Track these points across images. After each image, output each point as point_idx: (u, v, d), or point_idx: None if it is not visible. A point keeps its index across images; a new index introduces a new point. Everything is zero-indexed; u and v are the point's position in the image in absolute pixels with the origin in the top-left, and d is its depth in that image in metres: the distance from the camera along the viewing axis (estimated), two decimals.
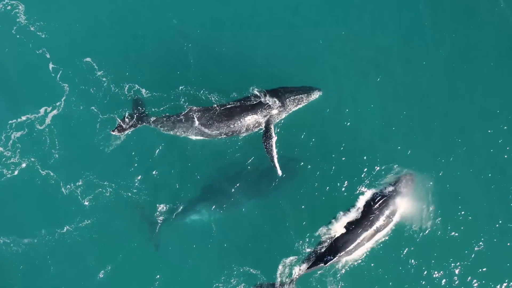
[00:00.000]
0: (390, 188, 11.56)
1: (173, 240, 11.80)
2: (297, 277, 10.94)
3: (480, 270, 11.40)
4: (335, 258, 10.87)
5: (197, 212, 11.90)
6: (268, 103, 11.64)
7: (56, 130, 12.08)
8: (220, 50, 12.90)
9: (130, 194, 11.79)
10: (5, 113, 12.16)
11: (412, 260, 11.46)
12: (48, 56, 12.53)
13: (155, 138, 12.11)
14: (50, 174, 11.78)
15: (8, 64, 12.67)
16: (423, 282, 11.39)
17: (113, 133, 11.60)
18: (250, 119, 11.51)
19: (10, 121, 12.04)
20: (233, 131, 11.61)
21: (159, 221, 11.67)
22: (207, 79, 12.55)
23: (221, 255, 11.68)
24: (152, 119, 11.59)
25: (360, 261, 11.35)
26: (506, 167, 12.11)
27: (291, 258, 11.27)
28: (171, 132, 11.68)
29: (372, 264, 11.38)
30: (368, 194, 11.66)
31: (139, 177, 11.94)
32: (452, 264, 11.41)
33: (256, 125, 11.69)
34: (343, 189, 11.90)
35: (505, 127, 12.36)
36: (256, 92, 11.65)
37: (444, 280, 11.36)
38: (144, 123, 11.68)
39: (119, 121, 11.56)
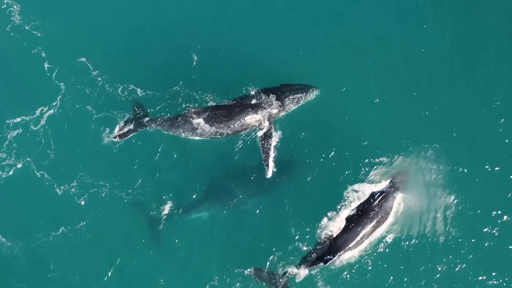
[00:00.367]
0: (388, 185, 11.51)
1: (173, 240, 11.68)
2: (291, 272, 10.86)
3: (477, 268, 11.30)
4: (334, 257, 10.76)
5: (197, 212, 11.82)
6: (267, 103, 11.55)
7: (52, 130, 12.04)
8: (216, 49, 12.82)
9: (125, 195, 11.72)
10: (0, 113, 12.10)
11: (412, 257, 11.41)
12: (43, 55, 12.48)
13: (153, 137, 12.06)
14: (44, 175, 11.73)
15: (3, 63, 12.64)
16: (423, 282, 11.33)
17: (115, 140, 11.61)
18: (250, 119, 11.43)
19: (6, 122, 11.99)
20: (233, 131, 11.54)
21: (159, 220, 11.59)
22: (202, 78, 12.47)
23: (221, 254, 11.59)
24: (153, 123, 11.58)
25: (357, 258, 11.26)
26: (505, 162, 12.04)
27: (290, 257, 11.19)
28: (171, 132, 11.61)
29: (369, 263, 11.27)
30: (365, 191, 11.60)
31: (135, 177, 11.87)
32: (452, 262, 11.30)
33: (256, 124, 11.60)
34: (341, 186, 11.81)
35: (503, 121, 12.34)
36: (254, 91, 11.56)
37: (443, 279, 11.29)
38: (145, 128, 11.70)
39: (120, 125, 11.49)
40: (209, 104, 12.01)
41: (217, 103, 11.99)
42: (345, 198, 11.63)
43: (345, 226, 11.06)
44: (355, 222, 11.06)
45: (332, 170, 12.01)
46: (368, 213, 11.13)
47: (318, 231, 11.32)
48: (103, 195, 11.65)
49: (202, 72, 12.59)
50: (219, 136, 11.64)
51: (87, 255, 11.47)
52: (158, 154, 12.01)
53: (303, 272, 10.88)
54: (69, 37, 12.69)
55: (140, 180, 11.84)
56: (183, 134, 11.59)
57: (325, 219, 11.35)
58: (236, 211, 11.80)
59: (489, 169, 11.98)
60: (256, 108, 11.44)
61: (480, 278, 11.22)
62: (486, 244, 11.37)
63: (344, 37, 13.08)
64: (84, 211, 11.61)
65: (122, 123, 11.72)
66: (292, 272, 10.86)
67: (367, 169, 11.95)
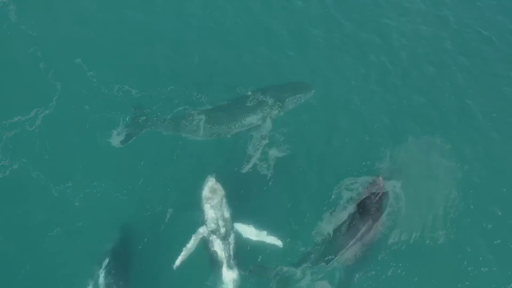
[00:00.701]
0: (382, 183, 11.57)
1: (171, 239, 11.51)
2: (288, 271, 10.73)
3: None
4: (336, 257, 10.66)
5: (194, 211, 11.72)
6: (267, 103, 11.46)
7: (48, 131, 11.95)
8: (211, 50, 12.76)
9: (121, 195, 11.59)
10: None
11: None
12: (39, 55, 12.43)
13: (152, 137, 12.02)
14: (40, 175, 11.62)
15: None
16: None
17: (117, 145, 11.55)
18: (250, 120, 11.35)
19: (1, 122, 11.92)
20: (231, 132, 11.49)
21: (157, 220, 11.44)
22: (198, 78, 12.42)
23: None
24: (152, 124, 11.53)
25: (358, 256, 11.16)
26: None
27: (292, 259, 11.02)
28: (171, 133, 11.57)
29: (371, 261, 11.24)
30: (361, 190, 11.69)
31: (132, 177, 11.74)
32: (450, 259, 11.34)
33: (258, 123, 11.53)
34: (338, 186, 11.86)
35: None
36: (251, 92, 11.46)
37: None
38: (144, 129, 11.64)
39: (119, 131, 11.41)
40: (206, 105, 11.95)
41: (214, 104, 11.92)
42: (341, 198, 11.64)
43: (344, 225, 11.04)
44: (354, 220, 11.05)
45: (328, 170, 12.10)
46: (366, 211, 11.13)
47: (314, 232, 11.25)
48: (98, 195, 11.55)
49: (198, 72, 12.53)
50: (219, 136, 11.55)
51: (78, 257, 11.26)
52: (156, 154, 11.97)
53: (302, 272, 10.75)
54: (64, 37, 12.63)
55: (139, 180, 11.72)
56: (183, 134, 11.43)
57: (323, 219, 11.30)
58: (235, 211, 11.61)
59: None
60: (256, 108, 11.34)
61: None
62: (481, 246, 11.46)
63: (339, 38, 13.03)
64: (79, 211, 11.48)
65: (120, 129, 11.59)
66: (289, 271, 10.71)
67: (365, 169, 12.03)
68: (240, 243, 10.57)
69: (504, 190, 12.26)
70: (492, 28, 15.55)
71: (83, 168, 11.73)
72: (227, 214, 10.45)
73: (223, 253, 10.24)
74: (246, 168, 11.89)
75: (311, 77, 13.53)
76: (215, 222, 10.33)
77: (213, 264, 10.36)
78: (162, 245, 11.19)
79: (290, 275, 10.67)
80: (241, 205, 11.41)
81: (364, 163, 12.30)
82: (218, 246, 10.28)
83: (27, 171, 11.64)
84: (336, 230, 11.15)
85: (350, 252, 10.88)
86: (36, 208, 11.46)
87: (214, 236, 10.33)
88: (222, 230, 10.32)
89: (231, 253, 10.29)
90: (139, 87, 12.07)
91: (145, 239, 11.34)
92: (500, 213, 11.88)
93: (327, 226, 11.27)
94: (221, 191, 10.52)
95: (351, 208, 11.42)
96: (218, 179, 10.74)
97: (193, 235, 10.36)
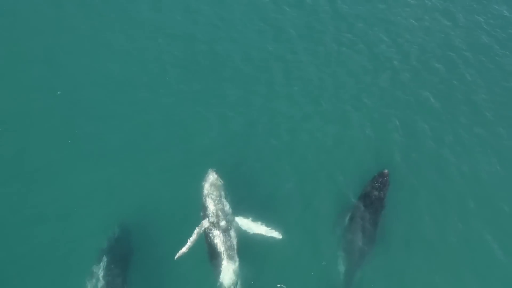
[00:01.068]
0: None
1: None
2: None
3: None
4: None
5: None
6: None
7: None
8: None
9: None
10: None
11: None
12: None
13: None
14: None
15: None
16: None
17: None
18: None
19: None
20: None
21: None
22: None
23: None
24: None
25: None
26: None
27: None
28: None
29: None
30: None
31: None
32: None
33: None
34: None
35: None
36: None
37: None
38: None
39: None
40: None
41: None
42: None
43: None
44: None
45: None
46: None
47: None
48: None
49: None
50: None
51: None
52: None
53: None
54: None
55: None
56: None
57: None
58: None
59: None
60: None
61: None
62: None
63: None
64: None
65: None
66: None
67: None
68: (240, 236, 10.43)
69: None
70: (499, 24, 15.48)
71: (81, 163, 11.54)
72: (227, 207, 10.39)
73: (223, 245, 10.11)
74: (246, 162, 11.86)
75: (318, 74, 13.63)
76: (216, 214, 10.24)
77: (214, 256, 10.20)
78: (161, 241, 10.91)
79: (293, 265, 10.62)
80: (241, 198, 11.23)
81: (369, 157, 12.27)
82: (218, 238, 10.15)
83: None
84: (339, 222, 11.12)
85: (353, 244, 10.76)
86: (35, 207, 11.26)
87: (215, 229, 10.20)
88: (223, 223, 10.22)
89: (231, 245, 10.17)
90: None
91: (144, 235, 11.04)
92: (506, 209, 11.80)
93: (328, 218, 11.20)
94: (221, 185, 10.48)
95: (355, 199, 11.38)
96: (218, 173, 10.70)
97: (196, 227, 10.24)
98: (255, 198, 11.41)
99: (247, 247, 10.44)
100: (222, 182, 10.55)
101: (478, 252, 11.14)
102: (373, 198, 11.15)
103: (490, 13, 15.92)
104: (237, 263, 10.10)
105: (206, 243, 10.30)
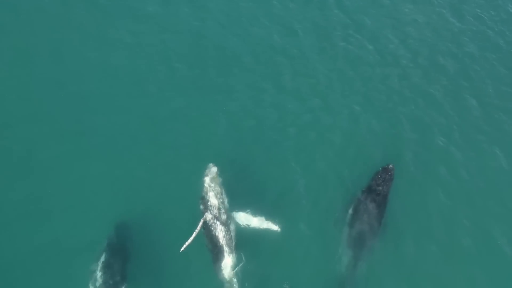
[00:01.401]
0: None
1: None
2: None
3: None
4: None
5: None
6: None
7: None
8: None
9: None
10: None
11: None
12: None
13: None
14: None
15: None
16: None
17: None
18: None
19: None
20: None
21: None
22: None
23: None
24: None
25: None
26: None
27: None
28: None
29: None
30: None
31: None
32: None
33: None
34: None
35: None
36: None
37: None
38: None
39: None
40: None
41: None
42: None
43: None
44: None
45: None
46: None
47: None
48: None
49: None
50: None
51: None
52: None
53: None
54: None
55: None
56: None
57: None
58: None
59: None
60: None
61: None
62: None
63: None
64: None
65: None
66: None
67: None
68: (241, 230, 10.50)
69: None
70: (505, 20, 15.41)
71: (85, 159, 11.49)
72: (226, 200, 10.55)
73: (224, 238, 10.17)
74: (252, 157, 11.83)
75: (325, 72, 13.63)
76: (218, 208, 10.33)
77: (214, 249, 10.22)
78: (161, 237, 10.80)
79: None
80: (241, 192, 11.18)
81: (375, 153, 12.24)
82: (220, 231, 10.20)
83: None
84: (342, 215, 11.07)
85: (355, 237, 10.70)
86: (37, 202, 11.17)
87: (217, 222, 10.25)
88: (224, 216, 10.30)
89: (231, 238, 10.27)
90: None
91: (143, 232, 10.90)
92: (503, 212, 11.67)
93: (332, 211, 11.15)
94: (220, 179, 10.68)
95: (359, 193, 11.31)
96: (219, 168, 10.78)
97: (201, 219, 10.26)
98: (259, 191, 11.39)
99: (248, 241, 10.46)
100: (220, 179, 10.70)
101: (484, 246, 11.05)
102: (377, 192, 11.09)
103: (496, 10, 15.87)
104: (236, 256, 10.17)
105: (206, 237, 10.31)
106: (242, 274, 10.14)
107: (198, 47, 13.72)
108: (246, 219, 10.52)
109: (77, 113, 12.12)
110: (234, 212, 10.57)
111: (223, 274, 10.03)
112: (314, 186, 11.53)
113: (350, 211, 11.02)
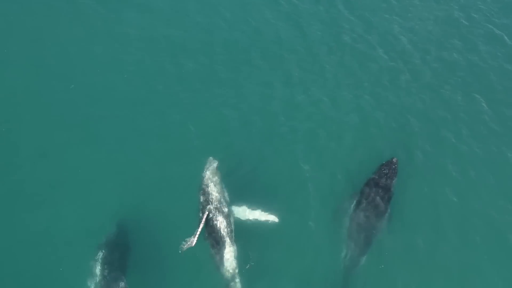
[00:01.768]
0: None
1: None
2: None
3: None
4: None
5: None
6: None
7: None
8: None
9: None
10: None
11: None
12: None
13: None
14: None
15: None
16: None
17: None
18: None
19: None
20: None
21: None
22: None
23: None
24: None
25: None
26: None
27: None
28: None
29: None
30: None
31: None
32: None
33: None
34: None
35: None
36: None
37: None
38: None
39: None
40: None
41: None
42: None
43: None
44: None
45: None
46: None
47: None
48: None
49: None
50: None
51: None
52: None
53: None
54: None
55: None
56: None
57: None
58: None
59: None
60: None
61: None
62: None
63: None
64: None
65: None
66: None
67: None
68: (242, 222, 10.52)
69: None
70: (502, 25, 15.32)
71: (78, 156, 11.48)
72: (226, 193, 10.62)
73: (225, 230, 10.17)
74: (251, 151, 11.82)
75: (320, 75, 13.58)
76: (219, 200, 10.36)
77: (215, 241, 10.20)
78: (159, 235, 10.73)
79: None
80: (240, 185, 11.17)
81: (381, 147, 12.20)
82: (221, 223, 10.19)
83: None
84: (344, 207, 11.02)
85: (357, 230, 10.63)
86: (32, 199, 11.06)
87: (218, 214, 10.26)
88: (225, 209, 10.33)
89: (231, 230, 10.29)
90: None
91: (142, 230, 10.82)
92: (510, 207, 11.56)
93: (334, 204, 11.10)
94: (219, 172, 10.74)
95: (362, 186, 11.25)
96: (218, 161, 10.88)
97: (205, 211, 10.27)
98: (266, 186, 11.39)
99: (249, 234, 10.46)
100: (220, 172, 10.75)
101: (493, 240, 10.96)
102: (380, 185, 11.02)
103: (502, 7, 15.85)
104: (236, 248, 10.16)
105: (206, 229, 10.29)
106: (244, 268, 10.12)
107: (206, 43, 13.78)
108: (246, 210, 10.54)
109: (83, 107, 12.15)
110: (237, 206, 10.59)
111: (224, 266, 9.97)
112: (319, 181, 11.48)
113: (353, 204, 10.97)
